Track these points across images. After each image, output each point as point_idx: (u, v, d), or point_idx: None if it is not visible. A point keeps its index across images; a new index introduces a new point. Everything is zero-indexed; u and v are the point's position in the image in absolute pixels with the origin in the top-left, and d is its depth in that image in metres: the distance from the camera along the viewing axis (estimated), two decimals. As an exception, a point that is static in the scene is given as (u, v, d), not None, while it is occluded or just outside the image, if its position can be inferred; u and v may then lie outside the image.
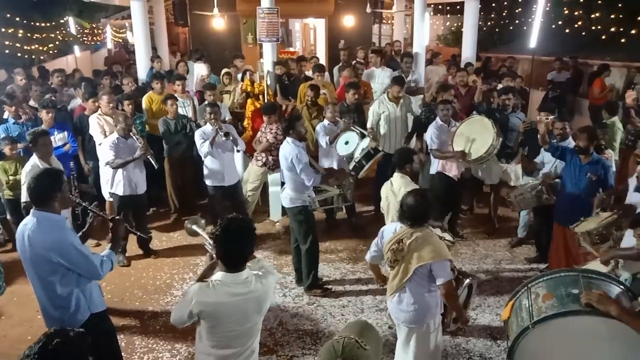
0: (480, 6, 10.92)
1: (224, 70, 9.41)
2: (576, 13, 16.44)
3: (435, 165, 6.75)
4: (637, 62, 12.30)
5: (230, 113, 8.47)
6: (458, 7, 17.33)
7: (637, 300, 2.92)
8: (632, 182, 4.97)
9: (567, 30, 16.57)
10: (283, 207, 6.13)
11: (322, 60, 12.47)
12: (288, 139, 5.50)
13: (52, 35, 16.73)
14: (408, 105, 7.51)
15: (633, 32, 14.35)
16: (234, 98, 8.91)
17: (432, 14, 19.90)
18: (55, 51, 17.22)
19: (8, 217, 6.59)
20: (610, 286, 3.05)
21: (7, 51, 13.63)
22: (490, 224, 7.33)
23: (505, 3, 19.28)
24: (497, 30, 20.50)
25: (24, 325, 5.21)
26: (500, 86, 8.55)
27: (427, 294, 3.74)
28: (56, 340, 2.06)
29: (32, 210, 3.37)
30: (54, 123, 6.68)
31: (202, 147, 6.44)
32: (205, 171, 6.68)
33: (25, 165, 5.56)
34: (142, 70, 9.66)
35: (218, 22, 13.37)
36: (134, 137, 6.16)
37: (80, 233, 3.60)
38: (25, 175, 5.41)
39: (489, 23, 20.46)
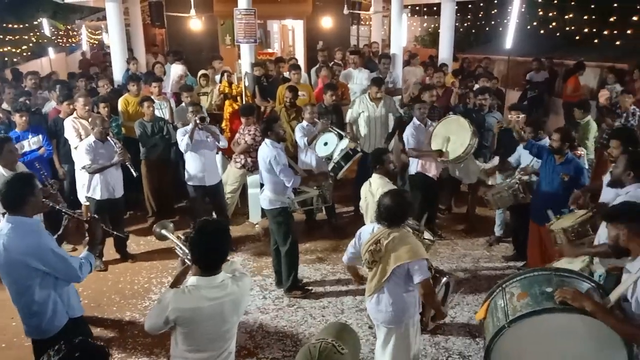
0: (456, 7, 11.03)
1: (201, 72, 9.34)
2: (550, 14, 16.73)
3: (415, 166, 6.79)
4: (610, 62, 12.53)
5: (208, 115, 8.41)
6: (435, 8, 17.49)
7: (608, 297, 2.97)
8: (606, 179, 5.06)
9: (541, 31, 16.86)
10: (262, 209, 6.12)
11: (301, 62, 12.45)
12: (266, 140, 5.49)
13: (26, 37, 16.47)
14: (389, 106, 7.56)
15: (605, 32, 14.64)
16: (212, 99, 8.86)
17: (409, 15, 20.07)
18: (29, 53, 16.95)
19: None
20: (582, 284, 3.11)
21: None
22: (468, 223, 7.40)
23: (482, 4, 19.52)
24: (473, 31, 20.75)
25: (-3, 332, 5.11)
26: (476, 86, 8.65)
27: (405, 294, 3.76)
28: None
29: (5, 216, 3.31)
30: (28, 126, 6.55)
31: (182, 142, 6.42)
32: (187, 171, 6.64)
33: None
34: (118, 72, 9.55)
35: (195, 23, 13.28)
36: (111, 140, 6.08)
37: (55, 236, 3.55)
38: None
39: (465, 24, 20.70)
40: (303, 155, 6.99)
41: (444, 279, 4.64)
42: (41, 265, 3.23)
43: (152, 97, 7.65)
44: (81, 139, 6.45)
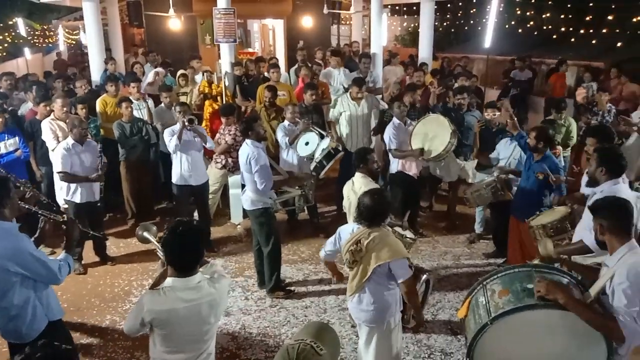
0: (436, 7, 11.11)
1: (180, 72, 9.27)
2: (528, 13, 16.93)
3: (396, 165, 6.82)
4: (586, 61, 12.73)
5: (188, 115, 8.34)
6: (414, 7, 17.57)
7: (588, 292, 3.01)
8: (584, 178, 5.13)
9: (519, 30, 17.04)
10: (244, 210, 6.09)
11: (282, 61, 12.45)
12: (247, 140, 5.47)
13: (1, 37, 16.16)
14: (371, 104, 7.59)
15: (582, 31, 14.87)
16: (191, 99, 8.79)
17: (389, 14, 20.15)
18: (4, 54, 16.64)
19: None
20: (563, 279, 3.13)
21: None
22: (449, 221, 7.46)
23: (460, 4, 19.68)
24: (452, 30, 20.91)
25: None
26: (456, 85, 8.72)
27: (387, 292, 3.77)
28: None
29: None
30: (4, 128, 6.44)
31: (171, 143, 6.37)
32: (173, 171, 6.59)
33: None
34: (96, 72, 9.42)
35: (174, 22, 13.16)
36: (92, 142, 5.99)
37: (32, 238, 3.50)
38: None
39: (445, 23, 20.86)
40: (285, 154, 6.97)
41: (424, 277, 4.67)
42: (20, 268, 3.20)
43: (131, 97, 7.56)
44: (59, 141, 6.36)
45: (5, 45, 16.56)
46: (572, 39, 15.08)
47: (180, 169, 6.50)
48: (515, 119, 5.66)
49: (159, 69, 9.79)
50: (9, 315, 3.30)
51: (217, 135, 7.19)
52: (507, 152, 6.13)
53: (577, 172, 7.15)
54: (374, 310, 3.77)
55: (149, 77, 9.58)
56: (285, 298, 5.69)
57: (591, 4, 14.75)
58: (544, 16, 16.56)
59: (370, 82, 9.03)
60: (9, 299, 3.25)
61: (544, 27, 16.54)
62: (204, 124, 8.14)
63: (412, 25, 20.77)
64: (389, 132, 6.68)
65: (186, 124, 6.32)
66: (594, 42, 14.30)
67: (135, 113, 7.45)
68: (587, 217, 3.98)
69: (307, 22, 14.90)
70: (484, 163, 6.53)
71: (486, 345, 3.07)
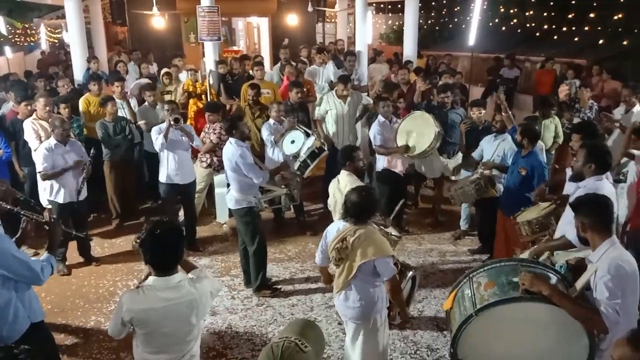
0: (420, 5, 11.13)
1: (163, 70, 9.21)
2: (511, 11, 17.06)
3: (381, 162, 6.84)
4: (568, 58, 12.86)
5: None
6: (399, 5, 17.62)
7: (574, 286, 3.06)
8: (568, 172, 5.18)
9: (503, 28, 17.17)
10: (230, 209, 6.07)
11: (267, 59, 12.41)
12: (231, 139, 5.45)
13: (-20, 36, 15.89)
14: (357, 102, 7.59)
15: (564, 29, 15.02)
16: (176, 98, 8.72)
17: (374, 12, 20.19)
18: (-16, 53, 16.35)
19: None
20: (548, 274, 3.17)
21: None
22: (434, 218, 7.50)
23: (445, 2, 19.79)
24: (437, 28, 20.99)
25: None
26: (440, 83, 8.74)
27: (372, 289, 3.78)
28: None
29: None
30: (-16, 129, 6.36)
31: (157, 141, 6.34)
32: (160, 170, 6.55)
33: None
34: (79, 71, 9.32)
35: (158, 21, 13.07)
36: (76, 142, 5.94)
37: (14, 239, 3.46)
38: None
39: (429, 21, 20.94)
40: (270, 152, 6.95)
41: (410, 273, 4.68)
42: (2, 269, 3.15)
43: (114, 96, 7.49)
44: (41, 141, 6.28)
45: (-15, 44, 16.28)
46: (555, 37, 15.22)
47: (167, 168, 6.46)
48: (510, 112, 5.72)
49: (143, 80, 9.61)
50: None
51: (202, 134, 7.15)
52: (491, 148, 6.18)
53: (559, 169, 7.21)
54: (360, 307, 3.78)
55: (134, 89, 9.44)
56: (272, 297, 5.68)
57: (573, 2, 14.92)
58: (527, 14, 16.69)
59: (355, 80, 9.03)
60: None
61: (527, 25, 16.67)
62: (188, 122, 8.10)
63: (397, 23, 20.82)
64: (374, 130, 6.69)
65: (172, 123, 6.28)
66: (576, 39, 14.45)
67: (119, 112, 7.38)
68: (569, 212, 4.02)
69: (292, 20, 14.88)
70: (469, 165, 6.56)
71: (470, 337, 3.10)
